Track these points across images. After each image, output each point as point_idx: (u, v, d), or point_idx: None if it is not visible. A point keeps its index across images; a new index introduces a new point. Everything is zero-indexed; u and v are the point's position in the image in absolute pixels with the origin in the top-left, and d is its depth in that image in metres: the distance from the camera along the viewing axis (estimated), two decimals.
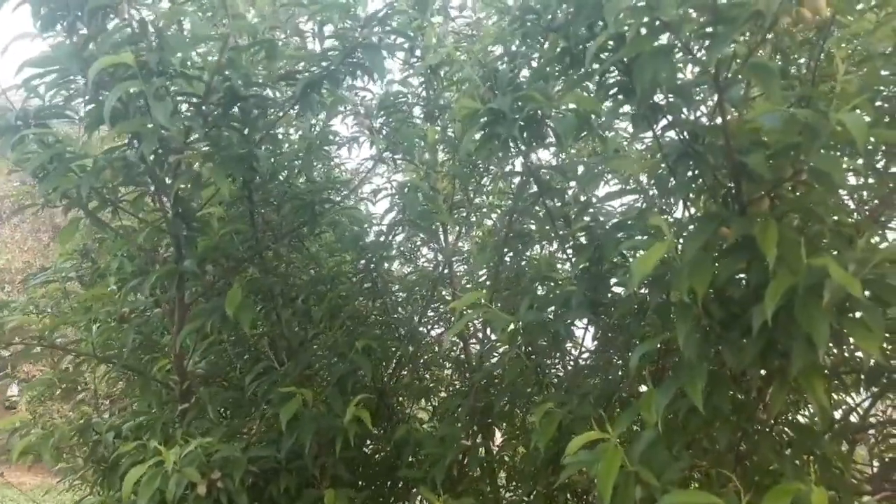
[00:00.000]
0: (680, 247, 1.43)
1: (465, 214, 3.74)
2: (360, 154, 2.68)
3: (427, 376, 3.45)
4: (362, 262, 2.65)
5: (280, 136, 2.52)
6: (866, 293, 1.29)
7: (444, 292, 3.23)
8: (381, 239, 2.61)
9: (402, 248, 3.63)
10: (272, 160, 2.04)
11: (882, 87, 1.67)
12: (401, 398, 3.24)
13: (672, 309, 1.60)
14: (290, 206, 2.32)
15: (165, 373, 2.61)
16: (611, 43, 1.44)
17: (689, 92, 1.53)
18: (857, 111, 1.28)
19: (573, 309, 1.92)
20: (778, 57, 1.99)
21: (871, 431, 2.16)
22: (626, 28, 1.31)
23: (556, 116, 1.65)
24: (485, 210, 3.51)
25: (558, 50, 1.54)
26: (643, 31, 1.30)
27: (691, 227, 1.51)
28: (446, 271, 3.23)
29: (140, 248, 2.22)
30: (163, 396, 2.58)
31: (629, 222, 1.80)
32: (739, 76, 1.28)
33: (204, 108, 1.84)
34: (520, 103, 1.73)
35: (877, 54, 1.67)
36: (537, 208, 2.08)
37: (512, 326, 2.14)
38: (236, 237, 2.40)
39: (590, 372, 2.26)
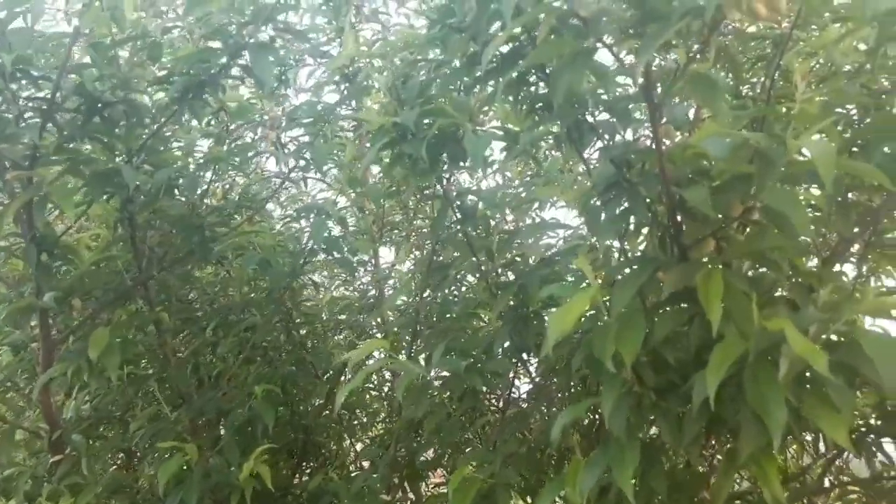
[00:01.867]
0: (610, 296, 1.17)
1: (402, 236, 3.48)
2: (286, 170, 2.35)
3: (356, 413, 3.16)
4: (271, 290, 2.35)
5: (178, 151, 2.21)
6: (830, 358, 1.04)
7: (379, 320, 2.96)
8: (291, 266, 2.30)
9: (326, 274, 3.37)
10: (151, 177, 1.73)
11: (847, 108, 1.45)
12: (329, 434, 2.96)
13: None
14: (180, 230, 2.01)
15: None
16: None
17: (625, 109, 1.28)
18: (822, 136, 1.05)
19: (495, 357, 1.66)
20: (729, 76, 1.76)
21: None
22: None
23: (470, 134, 1.38)
24: (425, 231, 3.25)
25: (464, 57, 1.27)
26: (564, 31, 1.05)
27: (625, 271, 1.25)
28: (374, 299, 2.96)
29: None
30: (36, 445, 2.24)
31: (557, 258, 1.54)
32: (678, 89, 1.02)
33: (58, 116, 1.54)
34: (430, 119, 1.48)
35: (842, 71, 1.45)
36: (461, 237, 1.82)
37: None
38: (121, 265, 2.08)
39: (520, 423, 1.99)
